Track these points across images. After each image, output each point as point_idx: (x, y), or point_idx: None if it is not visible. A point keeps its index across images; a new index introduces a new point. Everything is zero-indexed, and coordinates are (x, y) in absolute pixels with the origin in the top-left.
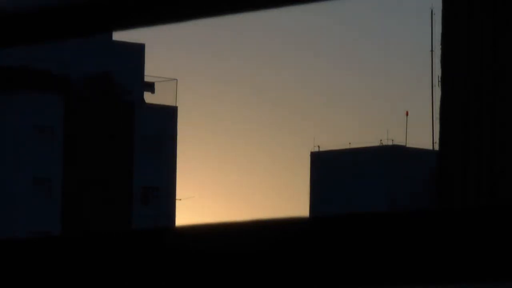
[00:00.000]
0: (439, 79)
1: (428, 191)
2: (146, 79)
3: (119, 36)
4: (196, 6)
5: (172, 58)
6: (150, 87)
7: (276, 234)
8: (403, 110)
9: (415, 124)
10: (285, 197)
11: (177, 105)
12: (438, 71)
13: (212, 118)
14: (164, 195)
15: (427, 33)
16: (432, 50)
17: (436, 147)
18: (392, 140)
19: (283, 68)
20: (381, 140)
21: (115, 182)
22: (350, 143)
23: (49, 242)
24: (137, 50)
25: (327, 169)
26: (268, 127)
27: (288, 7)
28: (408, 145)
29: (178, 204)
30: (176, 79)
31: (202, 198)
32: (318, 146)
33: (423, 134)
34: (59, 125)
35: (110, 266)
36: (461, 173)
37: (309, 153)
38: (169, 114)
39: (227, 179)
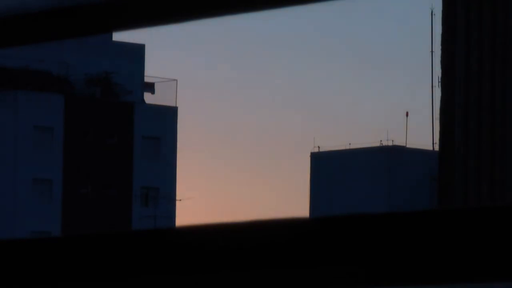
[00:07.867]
0: (439, 79)
1: (428, 191)
2: (146, 79)
3: (119, 36)
4: (196, 6)
5: (172, 58)
6: (150, 87)
7: (276, 234)
8: (403, 110)
9: (415, 124)
10: (285, 197)
11: (177, 105)
12: (438, 71)
13: (212, 118)
14: (164, 195)
15: (427, 33)
16: (432, 50)
17: (436, 147)
18: (392, 140)
19: (283, 68)
20: (381, 140)
21: (115, 182)
22: (350, 143)
23: (49, 242)
24: (137, 51)
25: (327, 169)
26: (268, 127)
27: (288, 7)
28: (408, 145)
29: (178, 204)
30: (176, 79)
31: (202, 198)
32: (318, 146)
33: (423, 134)
34: (59, 125)
35: (110, 266)
36: (461, 173)
37: (309, 153)
38: (169, 114)
39: (227, 179)
